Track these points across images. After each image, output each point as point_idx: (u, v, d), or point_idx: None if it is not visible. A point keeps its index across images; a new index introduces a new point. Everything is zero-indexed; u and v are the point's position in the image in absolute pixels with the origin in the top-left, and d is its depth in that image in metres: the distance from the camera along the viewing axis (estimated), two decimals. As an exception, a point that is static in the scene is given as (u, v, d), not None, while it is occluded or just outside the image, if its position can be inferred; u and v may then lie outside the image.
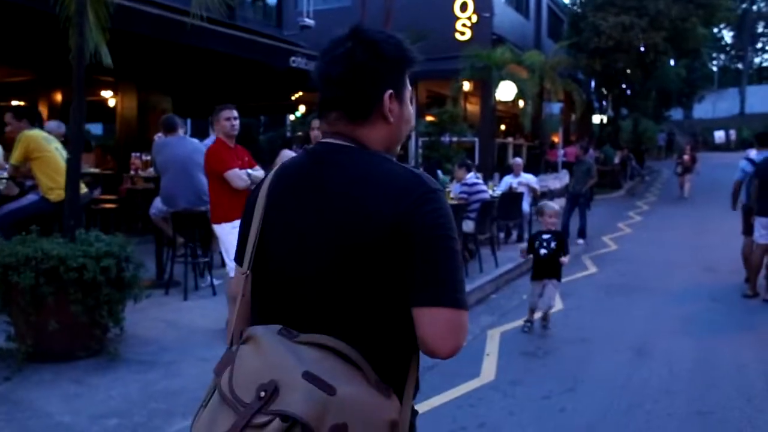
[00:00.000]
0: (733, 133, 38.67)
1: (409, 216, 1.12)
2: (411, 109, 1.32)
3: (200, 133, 20.00)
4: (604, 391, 4.13)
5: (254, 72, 10.97)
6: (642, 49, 19.98)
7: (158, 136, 6.28)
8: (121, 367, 3.98)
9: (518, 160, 10.55)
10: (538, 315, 5.48)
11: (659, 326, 5.72)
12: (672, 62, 25.01)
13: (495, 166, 16.35)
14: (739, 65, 50.67)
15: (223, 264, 5.48)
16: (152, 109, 11.84)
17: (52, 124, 6.62)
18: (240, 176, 4.48)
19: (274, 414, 1.00)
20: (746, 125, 39.32)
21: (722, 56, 52.61)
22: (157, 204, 6.07)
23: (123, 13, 6.93)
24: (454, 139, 15.02)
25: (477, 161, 16.70)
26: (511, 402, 3.93)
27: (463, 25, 17.64)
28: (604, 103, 26.84)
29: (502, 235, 9.85)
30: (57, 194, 4.89)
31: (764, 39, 52.80)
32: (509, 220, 9.25)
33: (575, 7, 23.48)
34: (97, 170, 9.12)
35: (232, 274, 4.51)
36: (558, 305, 6.41)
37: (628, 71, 21.30)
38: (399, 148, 1.35)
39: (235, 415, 1.03)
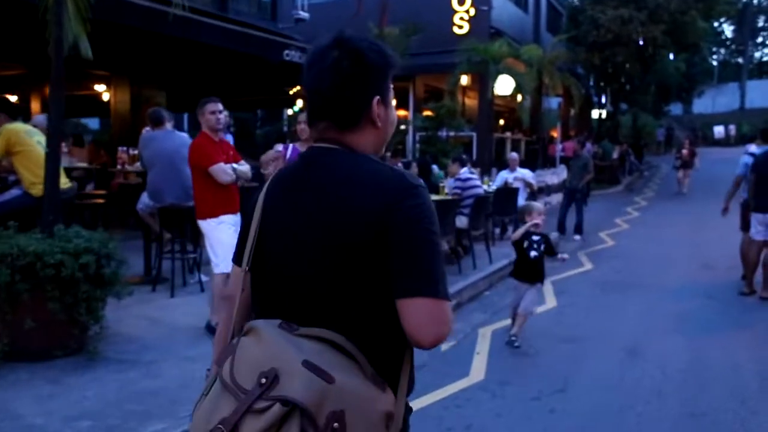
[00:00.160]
0: (732, 128, 38.50)
1: (390, 211, 1.16)
2: (394, 111, 1.37)
3: (197, 127, 19.97)
4: (595, 391, 4.04)
5: (249, 66, 10.84)
6: (641, 42, 19.83)
7: (146, 130, 6.16)
8: (99, 366, 3.89)
9: (514, 154, 10.44)
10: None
11: (654, 324, 5.63)
12: (671, 56, 24.84)
13: (493, 161, 16.23)
14: (740, 60, 50.46)
15: (211, 260, 5.38)
16: (146, 104, 11.68)
17: (39, 118, 6.48)
18: (225, 171, 4.38)
19: (274, 399, 1.03)
20: (746, 120, 39.16)
21: (722, 51, 52.42)
22: (144, 199, 5.96)
23: (112, 4, 6.84)
24: (451, 133, 14.90)
25: (474, 156, 16.61)
26: (499, 403, 3.84)
27: (461, 18, 17.48)
28: (603, 97, 26.67)
29: (497, 230, 9.75)
30: (39, 189, 4.75)
31: (764, 33, 52.61)
32: (504, 216, 9.13)
33: (574, 0, 23.31)
34: (87, 165, 8.97)
35: (216, 270, 4.41)
36: (552, 302, 6.33)
37: (627, 65, 21.14)
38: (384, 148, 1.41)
39: (236, 401, 1.07)
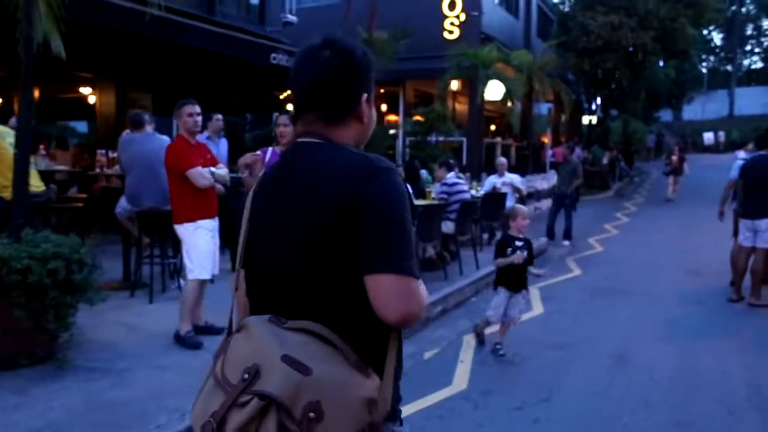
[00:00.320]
0: (722, 134, 38.72)
1: (355, 192, 1.19)
2: (374, 111, 1.44)
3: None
4: (580, 400, 3.95)
5: (237, 69, 10.73)
6: (631, 49, 19.88)
7: (126, 133, 6.03)
8: (68, 375, 3.75)
9: (502, 159, 10.36)
10: (493, 329, 4.93)
11: (641, 331, 5.55)
12: (661, 63, 24.94)
13: (483, 166, 16.17)
14: (728, 67, 50.88)
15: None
16: (132, 106, 11.55)
17: (14, 120, 6.35)
18: (203, 174, 4.28)
19: (253, 394, 1.09)
20: (735, 127, 39.43)
21: (711, 58, 52.83)
22: (123, 203, 5.83)
23: (92, 5, 6.72)
24: (441, 138, 14.82)
25: (465, 161, 16.54)
26: (482, 413, 3.73)
27: (452, 23, 17.44)
28: (593, 103, 26.74)
29: (485, 236, 9.67)
30: (11, 192, 4.64)
31: (753, 42, 53.08)
32: (492, 221, 9.05)
33: (564, 6, 23.37)
34: (67, 168, 8.79)
35: (190, 276, 4.30)
36: (539, 309, 6.24)
37: (617, 71, 21.19)
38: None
39: (224, 395, 1.14)
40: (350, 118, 1.35)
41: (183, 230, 4.27)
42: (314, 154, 1.30)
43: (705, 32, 36.02)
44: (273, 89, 12.66)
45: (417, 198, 7.61)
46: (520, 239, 4.73)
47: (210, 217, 4.34)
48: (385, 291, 1.16)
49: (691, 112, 45.31)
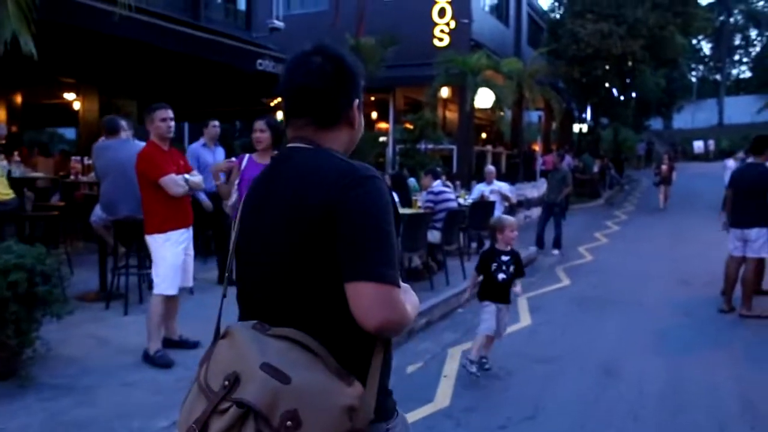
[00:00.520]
0: (711, 143, 38.96)
1: (337, 200, 1.19)
2: (362, 117, 1.45)
3: (176, 138, 19.59)
4: (566, 418, 3.80)
5: (224, 76, 10.58)
6: (620, 56, 19.91)
7: (102, 140, 5.86)
8: (30, 393, 3.56)
9: (490, 167, 10.25)
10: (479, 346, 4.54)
11: (630, 343, 5.41)
12: (650, 71, 25.02)
13: (473, 174, 16.07)
14: (717, 77, 51.29)
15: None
16: (116, 113, 11.37)
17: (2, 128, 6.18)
18: (176, 182, 4.11)
19: (232, 401, 1.09)
20: (725, 136, 39.71)
21: (701, 67, 53.25)
22: (98, 211, 5.66)
23: (69, 7, 6.56)
24: (430, 146, 14.72)
25: (455, 169, 16.44)
26: None
27: (441, 31, 17.40)
28: (584, 112, 26.77)
29: (474, 245, 9.54)
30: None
31: (741, 51, 53.56)
32: (481, 230, 8.91)
33: (554, 14, 23.41)
34: (43, 175, 8.57)
35: (155, 291, 4.12)
36: (526, 320, 6.10)
37: (607, 80, 21.22)
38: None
39: (207, 402, 1.15)
40: (341, 124, 1.37)
41: (152, 241, 4.09)
42: (301, 160, 1.30)
43: (694, 42, 36.30)
44: (261, 96, 12.52)
45: (404, 207, 7.47)
46: (506, 253, 4.47)
47: (184, 227, 4.16)
48: (364, 299, 1.16)
49: (681, 120, 45.58)
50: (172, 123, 4.14)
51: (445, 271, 7.14)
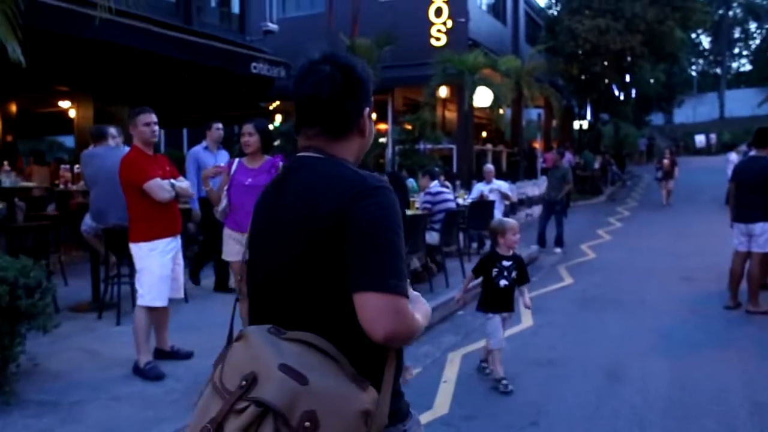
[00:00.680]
0: (713, 137, 38.77)
1: (347, 210, 1.21)
2: (373, 124, 1.45)
3: (172, 143, 19.47)
4: (571, 424, 3.67)
5: (219, 81, 10.49)
6: (619, 52, 19.76)
7: (90, 147, 5.75)
8: (13, 411, 3.45)
9: (489, 166, 10.12)
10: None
11: (634, 343, 5.28)
12: (649, 66, 24.86)
13: (473, 174, 15.94)
14: (718, 70, 51.07)
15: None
16: (111, 121, 11.28)
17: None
18: (162, 186, 3.98)
19: (250, 401, 1.10)
20: (726, 129, 39.49)
21: (701, 61, 53.04)
22: (88, 220, 5.55)
23: (57, 14, 6.46)
24: (429, 146, 14.59)
25: (455, 169, 16.32)
26: (463, 441, 3.45)
27: (438, 30, 17.29)
28: (584, 108, 26.61)
29: (474, 245, 9.41)
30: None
31: (740, 44, 53.35)
32: (481, 230, 8.79)
33: (551, 11, 23.27)
34: (32, 184, 8.46)
35: (140, 302, 4.00)
36: (528, 322, 5.97)
37: (606, 76, 21.08)
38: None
39: (222, 401, 1.15)
40: (352, 133, 1.37)
41: (137, 250, 3.96)
42: (312, 170, 1.31)
43: (693, 36, 36.13)
44: (258, 100, 12.41)
45: (402, 208, 7.34)
46: (508, 258, 4.26)
47: (171, 235, 4.04)
48: (370, 309, 1.16)
49: (682, 115, 45.39)
50: (156, 127, 4.02)
51: (444, 272, 7.01)
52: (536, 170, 18.32)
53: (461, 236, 8.47)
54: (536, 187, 15.41)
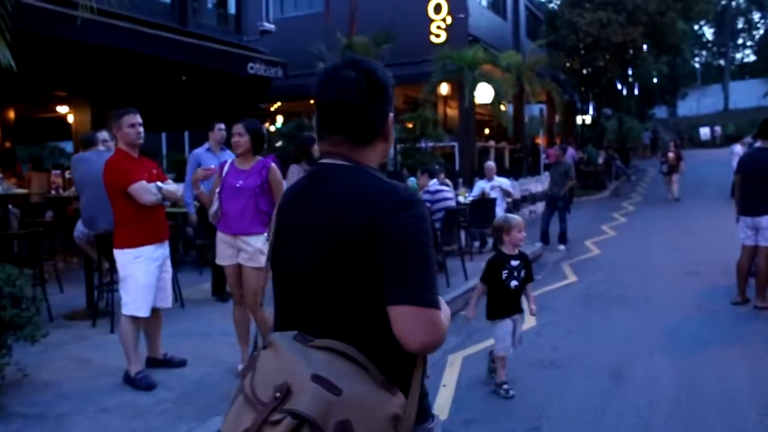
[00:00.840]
0: (718, 129, 38.44)
1: (381, 223, 1.22)
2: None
3: (174, 146, 19.41)
4: (572, 430, 3.55)
5: (218, 82, 10.40)
6: (620, 45, 19.56)
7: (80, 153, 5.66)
8: (-2, 424, 3.36)
9: (490, 163, 9.98)
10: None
11: (639, 342, 5.15)
12: (652, 59, 24.63)
13: (476, 171, 15.79)
14: (721, 62, 50.69)
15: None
16: (104, 124, 11.21)
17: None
18: (148, 189, 3.87)
19: (286, 412, 1.11)
20: (731, 121, 39.19)
21: (704, 53, 52.67)
22: (80, 226, 5.46)
23: (55, 19, 6.38)
24: (430, 144, 14.46)
25: (458, 166, 16.17)
26: (461, 448, 3.34)
27: (438, 27, 17.15)
28: (587, 103, 26.40)
29: (476, 244, 9.29)
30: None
31: (744, 35, 52.95)
32: (482, 228, 8.67)
33: (551, 5, 23.08)
34: (22, 191, 8.38)
35: (125, 311, 3.89)
36: (530, 321, 5.81)
37: (608, 69, 20.88)
38: None
39: (254, 412, 1.16)
40: (377, 139, 1.37)
41: (121, 257, 3.84)
42: (343, 179, 1.31)
43: (696, 27, 35.84)
44: (258, 101, 12.31)
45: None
46: (515, 257, 4.08)
47: (158, 241, 3.93)
48: (407, 322, 1.19)
49: (686, 107, 45.08)
50: (141, 129, 3.91)
51: (445, 272, 6.89)
52: (539, 166, 18.16)
53: (463, 235, 8.35)
54: (539, 184, 15.27)
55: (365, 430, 1.13)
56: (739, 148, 14.84)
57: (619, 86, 23.97)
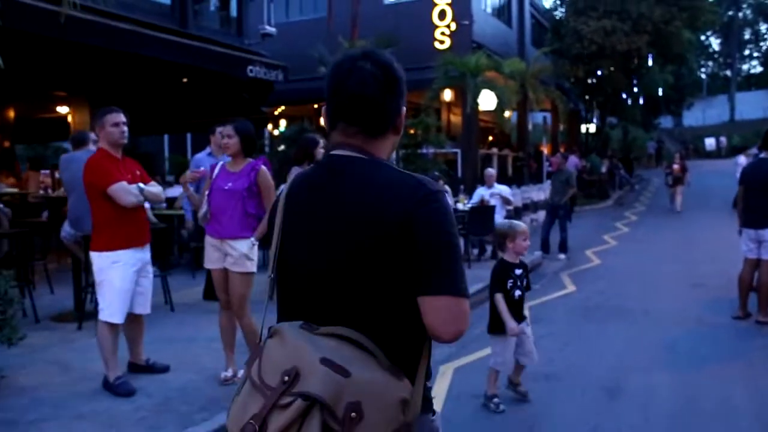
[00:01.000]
0: (723, 140, 38.24)
1: (413, 215, 1.22)
2: None
3: (176, 148, 19.36)
4: (564, 445, 3.42)
5: (217, 84, 10.33)
6: (625, 53, 19.44)
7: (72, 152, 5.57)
8: (-32, 431, 3.25)
9: (490, 170, 9.86)
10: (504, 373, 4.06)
11: (637, 356, 5.01)
12: (657, 68, 24.50)
13: (478, 178, 15.67)
14: (728, 72, 50.53)
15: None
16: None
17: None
18: (128, 190, 3.75)
19: (296, 395, 1.12)
20: (736, 132, 38.98)
21: (710, 63, 52.53)
22: (67, 226, 5.36)
23: (47, 18, 6.30)
24: (431, 150, 14.35)
25: (460, 173, 16.06)
26: (447, 465, 3.20)
27: (442, 33, 17.12)
28: (592, 112, 26.29)
29: (475, 251, 9.16)
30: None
31: (751, 46, 52.80)
32: (482, 235, 8.55)
33: (556, 13, 23.01)
34: (13, 190, 8.30)
35: (101, 317, 3.75)
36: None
37: (613, 78, 20.76)
38: None
39: (263, 398, 1.17)
40: (389, 131, 1.37)
41: (98, 260, 3.72)
42: (364, 172, 1.30)
43: (703, 38, 35.73)
44: (260, 104, 12.23)
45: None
46: (518, 266, 3.95)
47: (138, 245, 3.81)
48: (444, 312, 1.20)
49: (692, 118, 44.91)
50: (126, 128, 3.81)
51: (440, 280, 6.75)
52: (542, 174, 18.03)
53: (461, 242, 8.23)
54: (541, 192, 15.14)
55: (375, 412, 1.13)
56: (743, 159, 14.66)
57: (624, 95, 23.81)
